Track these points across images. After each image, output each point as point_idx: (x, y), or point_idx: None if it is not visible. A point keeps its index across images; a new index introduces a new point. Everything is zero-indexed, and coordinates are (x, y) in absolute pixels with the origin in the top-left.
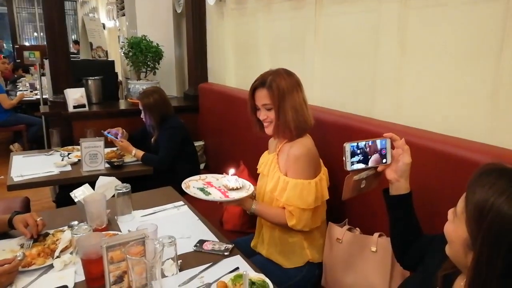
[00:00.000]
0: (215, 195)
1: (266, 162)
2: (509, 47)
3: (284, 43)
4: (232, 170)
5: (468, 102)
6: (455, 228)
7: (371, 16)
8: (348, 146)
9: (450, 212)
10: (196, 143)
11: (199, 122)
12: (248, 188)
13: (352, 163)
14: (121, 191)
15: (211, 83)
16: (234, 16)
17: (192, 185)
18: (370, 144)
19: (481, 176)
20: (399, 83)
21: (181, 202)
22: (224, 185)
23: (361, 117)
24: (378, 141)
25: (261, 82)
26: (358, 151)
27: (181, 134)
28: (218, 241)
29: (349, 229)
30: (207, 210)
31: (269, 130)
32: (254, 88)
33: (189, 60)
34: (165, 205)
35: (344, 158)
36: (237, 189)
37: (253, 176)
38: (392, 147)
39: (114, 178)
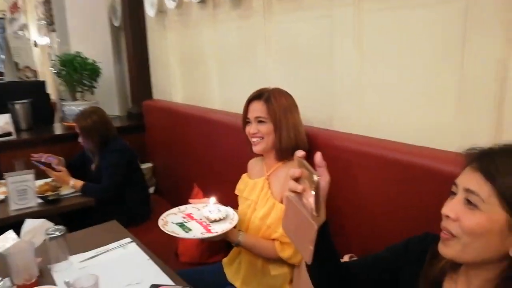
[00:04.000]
0: (196, 231)
1: (253, 187)
2: (471, 49)
3: (233, 54)
4: (213, 199)
5: (433, 109)
6: (489, 216)
7: (324, 22)
8: None
9: (455, 206)
10: (144, 166)
11: (146, 142)
12: (232, 217)
13: None
14: (53, 235)
15: (157, 100)
16: (177, 28)
17: (170, 220)
18: None
19: (495, 158)
20: (360, 91)
21: (128, 239)
22: (206, 217)
23: (322, 129)
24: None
25: (258, 95)
26: None
27: (126, 157)
28: (174, 284)
29: None
30: (160, 242)
31: (258, 148)
32: (249, 101)
33: (131, 77)
34: (109, 244)
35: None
36: (219, 220)
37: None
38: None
39: (44, 220)
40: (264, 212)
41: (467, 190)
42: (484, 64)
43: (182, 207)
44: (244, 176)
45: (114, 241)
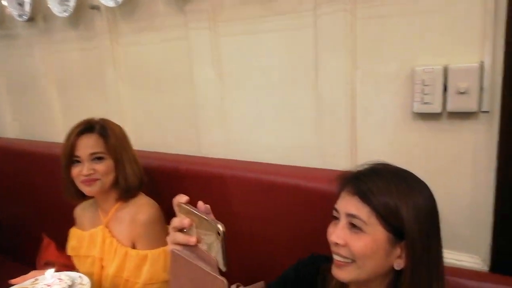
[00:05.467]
0: None
1: (90, 240)
2: (323, 72)
3: (77, 78)
4: (51, 271)
5: (295, 127)
6: (373, 236)
7: (180, 45)
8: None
9: (341, 232)
10: None
11: None
12: (80, 281)
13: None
14: None
15: None
16: None
17: None
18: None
19: (366, 180)
20: (223, 115)
21: None
22: None
23: (189, 156)
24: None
25: (87, 127)
26: None
27: None
28: None
29: None
30: None
31: (94, 189)
32: (77, 135)
33: None
34: None
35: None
36: None
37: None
38: None
39: None
40: (117, 266)
41: (349, 215)
42: (336, 85)
43: None
44: (73, 230)
45: None
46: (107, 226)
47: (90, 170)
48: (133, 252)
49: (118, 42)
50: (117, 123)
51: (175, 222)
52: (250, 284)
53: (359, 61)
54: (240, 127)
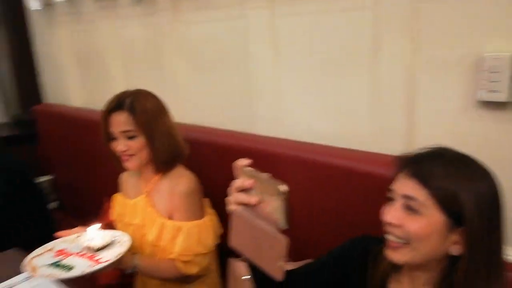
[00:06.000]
0: (81, 266)
1: (133, 209)
2: (381, 55)
3: (138, 53)
4: (96, 226)
5: (349, 110)
6: (429, 220)
7: (239, 24)
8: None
9: (397, 212)
10: (41, 179)
11: (41, 153)
12: (121, 239)
13: None
14: None
15: (51, 104)
16: (69, 24)
17: (39, 264)
18: None
19: (426, 163)
20: (278, 94)
21: None
22: (88, 247)
23: (242, 133)
24: None
25: (117, 104)
26: None
27: (19, 177)
28: None
29: None
30: None
31: (132, 164)
32: (108, 112)
33: (17, 78)
34: (11, 279)
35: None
36: (106, 246)
37: None
38: None
39: None
40: (155, 236)
41: (405, 196)
42: (395, 70)
43: (49, 245)
44: (118, 196)
45: (17, 274)
46: (147, 196)
47: (125, 146)
48: (168, 223)
49: (179, 19)
50: (173, 98)
51: (237, 182)
52: (301, 257)
53: (421, 45)
54: (295, 107)
